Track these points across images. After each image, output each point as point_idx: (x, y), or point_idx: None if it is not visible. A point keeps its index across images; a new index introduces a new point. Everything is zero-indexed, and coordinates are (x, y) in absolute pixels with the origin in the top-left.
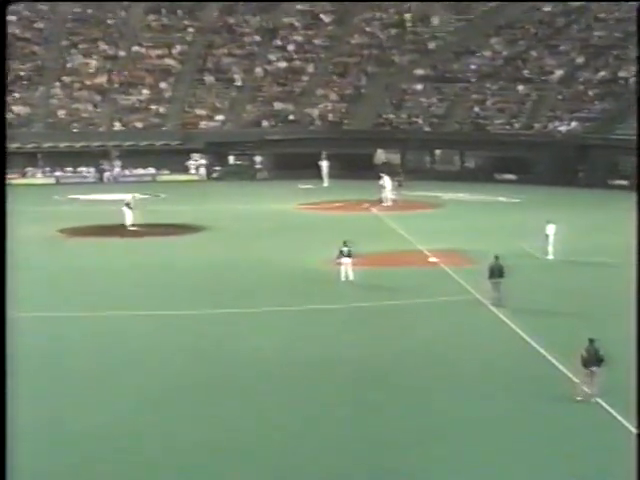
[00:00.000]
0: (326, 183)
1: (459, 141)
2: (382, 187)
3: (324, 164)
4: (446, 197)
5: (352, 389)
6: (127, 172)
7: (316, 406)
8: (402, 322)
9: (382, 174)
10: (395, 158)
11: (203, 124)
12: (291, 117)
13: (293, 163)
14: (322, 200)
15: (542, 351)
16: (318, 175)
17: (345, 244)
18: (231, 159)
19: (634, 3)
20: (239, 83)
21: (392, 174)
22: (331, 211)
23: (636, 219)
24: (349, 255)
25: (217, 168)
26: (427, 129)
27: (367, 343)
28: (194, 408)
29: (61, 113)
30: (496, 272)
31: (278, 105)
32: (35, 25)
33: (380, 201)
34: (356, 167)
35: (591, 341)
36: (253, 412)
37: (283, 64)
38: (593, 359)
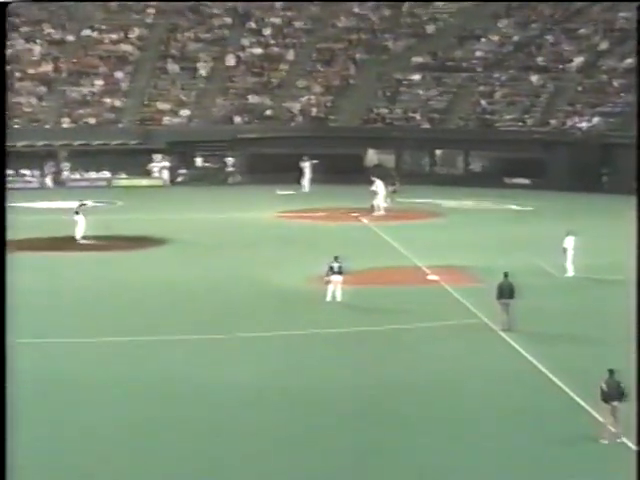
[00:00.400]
0: (308, 188)
1: (463, 140)
2: (374, 193)
3: (307, 167)
4: (448, 205)
5: (343, 428)
6: (78, 176)
7: (304, 453)
8: (399, 350)
9: (374, 178)
10: (389, 160)
11: (166, 120)
12: (268, 112)
13: (271, 165)
14: (304, 208)
15: (559, 383)
16: (300, 179)
17: (336, 259)
18: (199, 161)
19: (634, 3)
20: (207, 73)
21: (385, 178)
22: (315, 221)
23: (636, 223)
24: (340, 272)
25: (182, 171)
26: (426, 126)
27: (359, 374)
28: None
29: None
30: (506, 292)
31: (253, 98)
32: None
33: (371, 209)
34: (344, 170)
35: (611, 372)
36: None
37: (258, 50)
38: (614, 393)
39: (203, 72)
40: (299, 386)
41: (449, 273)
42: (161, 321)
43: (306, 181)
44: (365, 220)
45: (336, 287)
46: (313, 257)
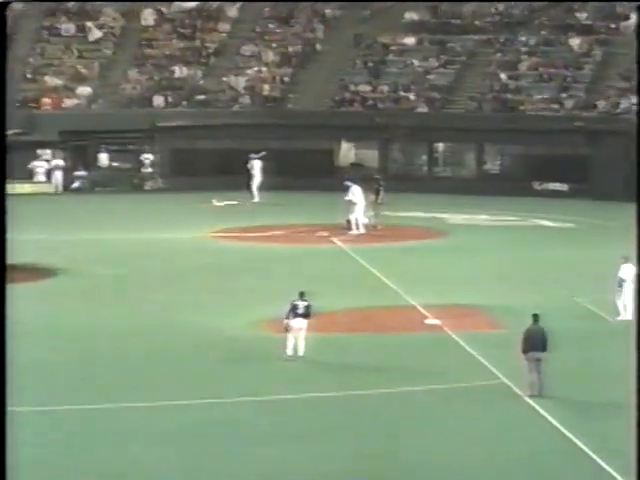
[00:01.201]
0: (259, 197)
1: (475, 129)
2: (350, 204)
3: (256, 167)
4: (454, 220)
5: None
6: None
7: None
8: (396, 424)
9: (349, 183)
10: (371, 157)
11: (57, 101)
12: (201, 91)
13: (205, 165)
14: (253, 225)
15: (604, 465)
16: (247, 184)
17: (301, 296)
18: (103, 159)
19: (634, 3)
20: (116, 35)
21: (366, 183)
22: (269, 243)
23: (636, 228)
24: (306, 314)
25: (81, 173)
26: (423, 110)
27: (341, 461)
28: None
29: None
30: (535, 342)
31: (180, 70)
32: None
33: (347, 227)
34: (308, 171)
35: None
36: None
37: (188, 3)
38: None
39: (109, 34)
40: None
41: (455, 315)
42: (54, 384)
43: (255, 187)
44: (338, 241)
45: (299, 335)
46: (266, 294)
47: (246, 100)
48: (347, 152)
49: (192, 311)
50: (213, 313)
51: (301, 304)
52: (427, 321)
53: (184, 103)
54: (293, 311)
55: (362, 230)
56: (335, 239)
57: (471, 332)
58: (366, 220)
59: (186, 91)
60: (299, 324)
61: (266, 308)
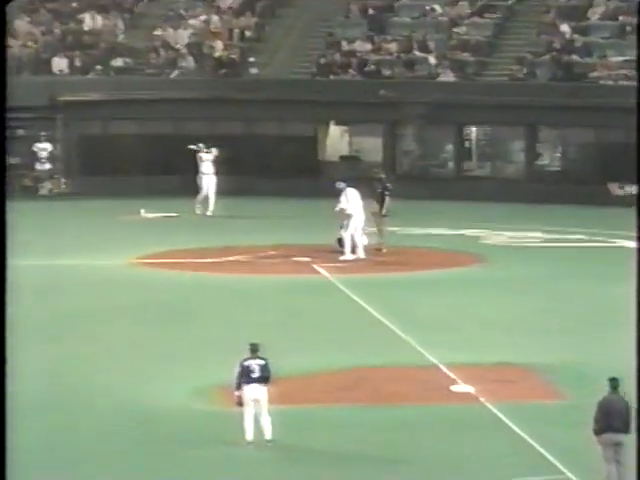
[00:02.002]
0: (212, 207)
1: (525, 106)
2: (342, 216)
3: (205, 161)
4: (492, 239)
5: None
6: None
7: None
8: None
9: (341, 185)
10: (372, 147)
11: None
12: (122, 52)
13: (128, 160)
14: (201, 247)
15: None
16: (192, 187)
17: (253, 350)
18: None
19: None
20: None
21: (366, 185)
22: (221, 272)
23: (636, 225)
24: (264, 378)
25: None
26: (449, 78)
27: None
28: None
29: None
30: (614, 420)
31: (91, 20)
32: None
33: (338, 248)
34: (280, 169)
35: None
36: None
37: None
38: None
39: None
40: None
41: (495, 378)
42: None
43: (207, 191)
44: (324, 270)
45: (260, 410)
46: (219, 347)
47: (189, 64)
48: (338, 141)
49: (109, 373)
50: (140, 376)
51: (255, 364)
52: (454, 387)
53: (98, 68)
54: (245, 375)
55: (359, 254)
56: (319, 266)
57: (518, 403)
58: (365, 240)
59: (101, 51)
60: (255, 393)
61: (218, 369)
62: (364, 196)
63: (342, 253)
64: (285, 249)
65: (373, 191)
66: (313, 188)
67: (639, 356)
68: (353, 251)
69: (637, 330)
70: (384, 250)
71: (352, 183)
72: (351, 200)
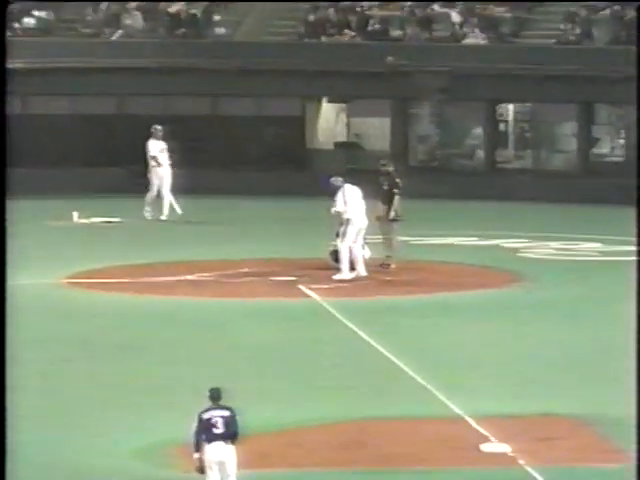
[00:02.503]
0: (166, 209)
1: (577, 76)
2: (339, 219)
3: (157, 149)
4: (533, 252)
5: None
6: None
7: None
8: None
9: (337, 180)
10: (378, 131)
11: None
12: (46, 8)
13: (54, 148)
14: (153, 262)
15: None
16: (141, 183)
17: (214, 397)
18: None
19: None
20: None
21: (370, 181)
22: (180, 294)
23: (636, 227)
24: (230, 435)
25: None
26: (477, 40)
27: None
28: None
29: None
30: None
31: None
32: None
33: (333, 262)
34: (256, 160)
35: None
36: None
37: None
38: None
39: None
40: None
41: (537, 435)
42: None
43: (160, 189)
44: (313, 292)
45: (225, 476)
46: (178, 393)
47: (136, 22)
48: (332, 123)
49: (29, 427)
50: (68, 430)
51: (218, 416)
52: (485, 446)
53: (10, 25)
54: (206, 431)
55: (360, 271)
56: (308, 288)
57: (566, 466)
58: (368, 252)
59: (14, 3)
60: (220, 454)
61: (172, 421)
62: (367, 195)
63: (338, 270)
64: (263, 265)
65: (378, 189)
66: (300, 185)
67: (639, 357)
68: (352, 267)
69: (637, 328)
70: (392, 266)
71: (351, 178)
72: (350, 201)
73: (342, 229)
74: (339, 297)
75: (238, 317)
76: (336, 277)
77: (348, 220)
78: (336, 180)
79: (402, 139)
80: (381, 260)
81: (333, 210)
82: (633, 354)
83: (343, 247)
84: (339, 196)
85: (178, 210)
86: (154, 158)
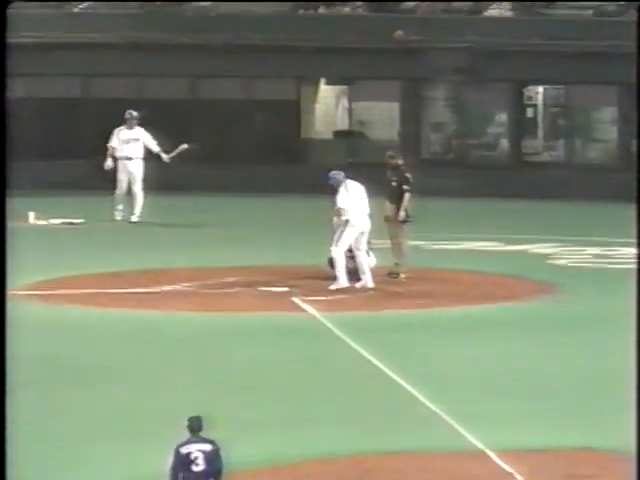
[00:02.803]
0: (138, 208)
1: (616, 54)
2: (339, 223)
3: (127, 139)
4: (566, 258)
5: None
6: None
7: None
8: None
9: (337, 175)
10: (385, 117)
11: None
12: None
13: (13, 135)
14: (123, 270)
15: None
16: (109, 178)
17: (194, 428)
18: None
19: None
20: None
21: (374, 176)
22: (155, 308)
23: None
24: (212, 473)
25: None
26: (500, 11)
27: None
28: None
29: None
30: None
31: None
32: None
33: (332, 273)
34: (243, 151)
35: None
36: None
37: None
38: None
39: None
40: None
41: (570, 472)
42: None
43: (132, 186)
44: (309, 306)
45: None
46: (151, 424)
47: None
48: (332, 108)
49: None
50: (35, 463)
51: (198, 450)
52: None
53: None
54: (184, 468)
55: (365, 281)
56: (303, 300)
57: None
58: (373, 259)
59: None
60: None
61: (145, 456)
62: (372, 193)
63: (336, 280)
64: (251, 273)
65: (386, 185)
66: (294, 181)
67: (639, 358)
68: (356, 277)
69: (637, 328)
70: (402, 275)
71: (353, 173)
72: (351, 199)
73: (339, 231)
74: (340, 311)
75: (222, 335)
76: (332, 287)
77: (347, 222)
78: (338, 174)
79: (413, 127)
80: (389, 268)
81: (339, 205)
82: None
83: (337, 252)
84: (339, 194)
85: (134, 214)
86: (112, 150)
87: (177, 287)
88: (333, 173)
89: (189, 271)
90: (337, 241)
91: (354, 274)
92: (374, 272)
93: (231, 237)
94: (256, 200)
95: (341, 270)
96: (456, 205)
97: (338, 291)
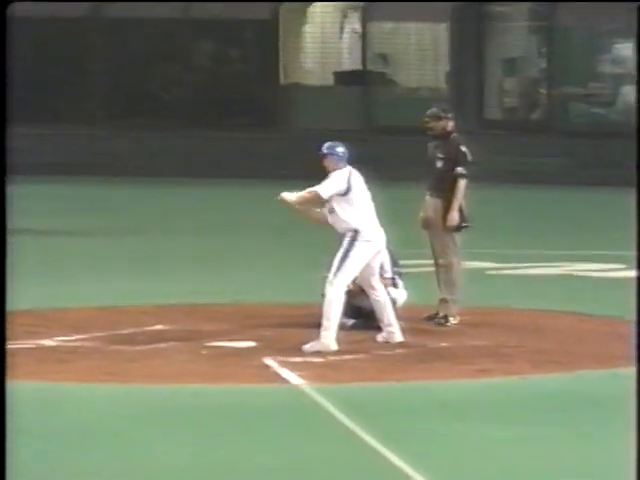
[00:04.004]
0: None
1: None
2: (343, 237)
3: None
4: None
5: None
6: None
7: None
8: None
9: (335, 150)
10: (419, 50)
11: None
12: None
13: None
14: None
15: None
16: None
17: None
18: None
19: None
20: None
21: (405, 155)
22: (31, 378)
23: (636, 221)
24: None
25: None
26: None
27: None
28: None
29: None
30: None
31: None
32: None
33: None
34: (187, 103)
35: None
36: None
37: None
38: None
39: None
40: None
41: None
42: None
43: None
44: (290, 372)
45: None
46: None
47: None
48: (333, 34)
49: None
50: None
51: None
52: None
53: None
54: None
55: (392, 333)
56: (279, 361)
57: None
58: (402, 294)
59: None
60: None
61: None
62: (398, 182)
63: (319, 333)
64: (188, 316)
65: (427, 167)
66: (265, 156)
67: (639, 356)
68: (377, 326)
69: (637, 328)
70: (453, 320)
71: (365, 148)
72: (357, 196)
73: (342, 249)
74: (345, 383)
75: (148, 424)
76: (308, 347)
77: (356, 233)
78: (333, 150)
79: (472, 67)
80: (430, 308)
81: (316, 187)
82: None
83: (335, 288)
84: (336, 177)
85: None
86: None
87: (69, 341)
88: (330, 147)
89: (85, 313)
90: (338, 266)
91: (368, 319)
92: (404, 315)
93: (155, 254)
94: (199, 189)
95: (333, 320)
96: (544, 197)
97: (315, 351)
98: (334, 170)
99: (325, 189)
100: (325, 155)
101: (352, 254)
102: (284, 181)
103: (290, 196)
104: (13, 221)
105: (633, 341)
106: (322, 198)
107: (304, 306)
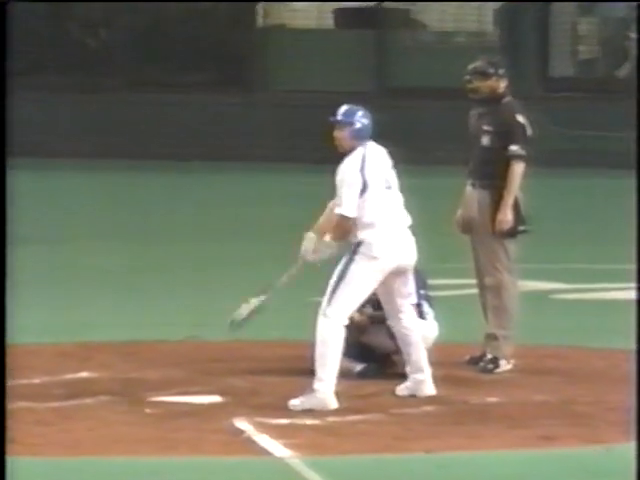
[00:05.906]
0: None
1: None
2: (333, 235)
3: None
4: None
5: None
6: None
7: None
8: None
9: (357, 113)
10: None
11: None
12: None
13: None
14: None
15: None
16: None
17: None
18: None
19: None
20: None
21: (440, 127)
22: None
23: (636, 216)
24: None
25: None
26: None
27: None
28: None
29: None
30: None
31: None
32: None
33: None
34: (139, 59)
35: None
36: None
37: None
38: None
39: None
40: None
41: None
42: None
43: None
44: (274, 440)
45: None
46: None
47: None
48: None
49: None
50: None
51: None
52: None
53: None
54: None
55: (419, 383)
56: (258, 425)
57: None
58: (432, 327)
59: None
60: None
61: None
62: (425, 161)
63: (312, 384)
64: (125, 358)
65: (468, 145)
66: (238, 131)
67: (639, 354)
68: (401, 374)
69: (637, 329)
70: (505, 364)
71: (383, 114)
72: (372, 189)
73: (338, 270)
74: (344, 453)
75: None
76: (295, 403)
77: (359, 246)
78: (356, 111)
79: (530, 2)
80: (473, 348)
81: (337, 210)
82: None
83: (330, 322)
84: (349, 178)
85: None
86: None
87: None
88: (350, 110)
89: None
90: (332, 292)
91: (384, 363)
92: (436, 357)
93: (73, 266)
94: (151, 176)
95: (329, 366)
96: (633, 186)
97: (338, 411)
98: (348, 147)
99: (348, 206)
100: (339, 123)
101: (350, 275)
102: (263, 165)
103: (324, 246)
104: None
105: None
106: (350, 219)
107: (291, 344)
